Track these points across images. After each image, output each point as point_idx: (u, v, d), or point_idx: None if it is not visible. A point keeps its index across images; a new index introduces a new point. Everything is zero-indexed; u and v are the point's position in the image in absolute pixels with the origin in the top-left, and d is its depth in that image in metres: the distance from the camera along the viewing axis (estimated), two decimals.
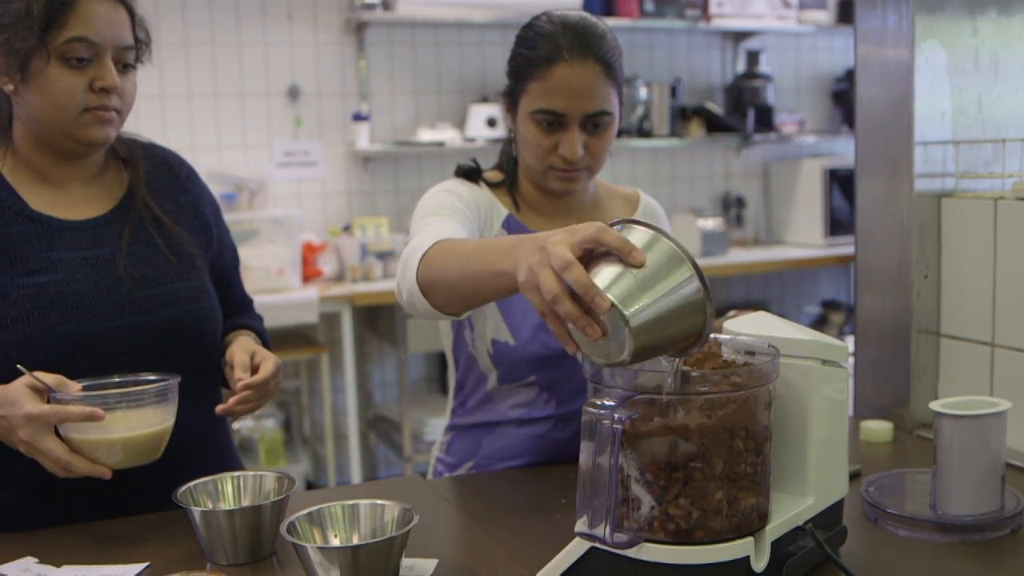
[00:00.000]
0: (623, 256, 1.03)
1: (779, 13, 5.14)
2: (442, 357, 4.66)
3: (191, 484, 1.38)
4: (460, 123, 4.73)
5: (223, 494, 1.40)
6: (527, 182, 1.78)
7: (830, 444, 1.24)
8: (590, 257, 1.06)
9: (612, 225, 1.08)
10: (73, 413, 1.34)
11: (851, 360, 2.04)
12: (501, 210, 1.76)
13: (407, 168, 4.79)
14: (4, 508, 1.50)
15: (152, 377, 1.47)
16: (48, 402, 1.36)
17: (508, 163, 1.80)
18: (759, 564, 1.12)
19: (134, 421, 1.39)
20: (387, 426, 4.60)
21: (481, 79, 4.81)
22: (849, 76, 5.41)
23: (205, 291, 1.63)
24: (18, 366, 1.38)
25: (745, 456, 1.10)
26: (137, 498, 1.51)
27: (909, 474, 1.57)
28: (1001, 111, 1.91)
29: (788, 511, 1.18)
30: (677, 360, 1.08)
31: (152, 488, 1.48)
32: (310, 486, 4.38)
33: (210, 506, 1.37)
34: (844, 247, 4.88)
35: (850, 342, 2.01)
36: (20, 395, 1.34)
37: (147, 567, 1.30)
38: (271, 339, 1.79)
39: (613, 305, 1.00)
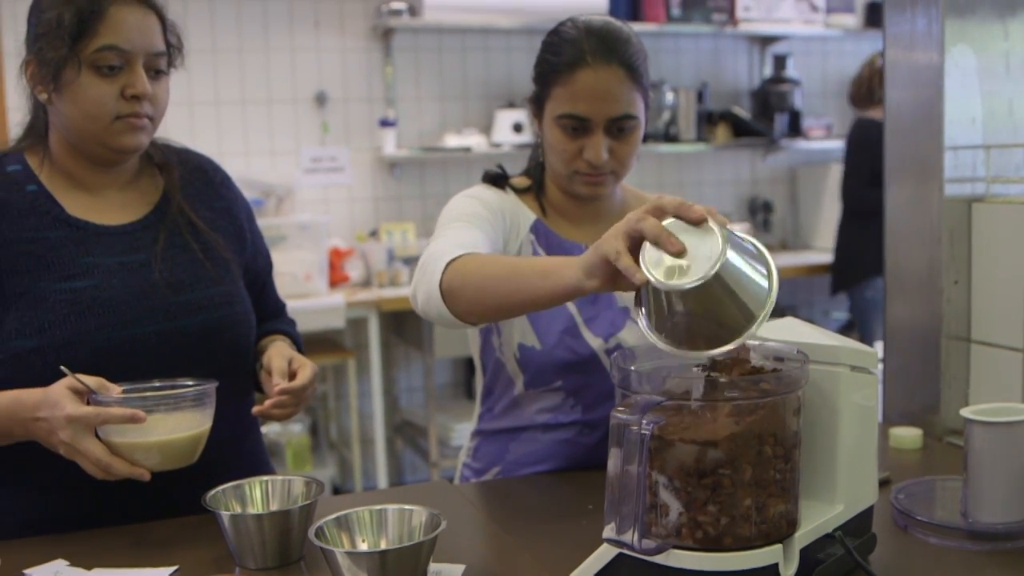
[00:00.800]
0: (662, 244, 1.08)
1: (806, 17, 5.12)
2: (468, 362, 4.67)
3: (220, 488, 1.38)
4: (486, 128, 4.74)
5: (252, 498, 1.40)
6: (554, 187, 1.78)
7: (859, 451, 1.23)
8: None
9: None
10: (114, 415, 1.35)
11: (880, 366, 2.02)
12: (528, 215, 1.76)
13: (433, 174, 4.81)
14: (38, 510, 1.52)
15: (190, 382, 1.49)
16: (88, 404, 1.37)
17: (535, 168, 1.80)
18: (788, 571, 1.11)
19: (173, 424, 1.40)
20: (413, 431, 4.61)
21: (507, 84, 4.82)
22: None
23: (239, 296, 1.64)
24: (61, 368, 1.39)
25: (774, 463, 1.10)
26: (169, 501, 1.52)
27: (939, 481, 1.56)
28: None
29: (817, 518, 1.18)
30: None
31: (185, 492, 1.48)
32: (336, 491, 4.40)
33: (239, 510, 1.38)
34: None
35: (879, 348, 1.99)
36: (61, 397, 1.35)
37: (176, 570, 1.31)
38: None
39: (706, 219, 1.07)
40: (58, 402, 1.35)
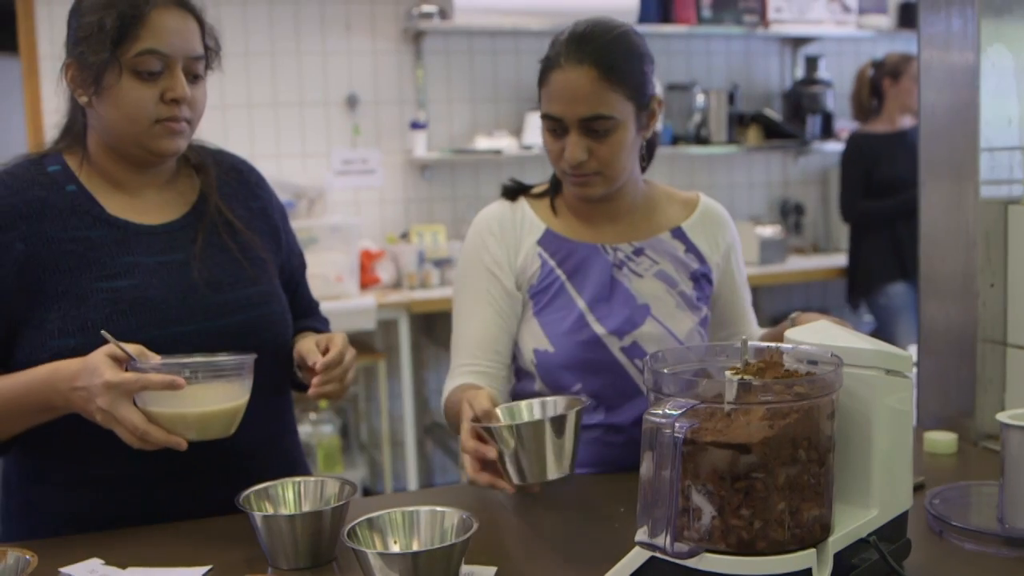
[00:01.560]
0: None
1: (838, 18, 5.09)
2: None
3: (253, 489, 1.39)
4: (517, 131, 4.74)
5: (284, 499, 1.41)
6: (567, 189, 1.79)
7: (894, 455, 1.22)
8: None
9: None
10: (154, 381, 1.34)
11: (914, 370, 2.01)
12: (538, 226, 1.78)
13: (464, 176, 4.81)
14: (74, 508, 1.53)
15: (228, 355, 1.48)
16: (127, 372, 1.37)
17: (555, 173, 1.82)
18: None
19: (211, 395, 1.40)
20: (444, 432, 4.62)
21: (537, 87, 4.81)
22: None
23: (276, 295, 1.65)
24: (102, 333, 1.39)
25: (808, 467, 1.09)
26: (207, 501, 1.53)
27: (975, 486, 1.55)
28: None
29: (851, 523, 1.17)
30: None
31: (222, 491, 1.49)
32: (367, 492, 4.41)
33: (271, 511, 1.38)
34: None
35: (913, 351, 1.97)
36: (100, 364, 1.35)
37: (210, 570, 1.32)
38: None
39: None
40: (96, 369, 1.35)
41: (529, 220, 1.79)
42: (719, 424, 1.07)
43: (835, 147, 5.22)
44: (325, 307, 1.93)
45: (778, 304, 5.24)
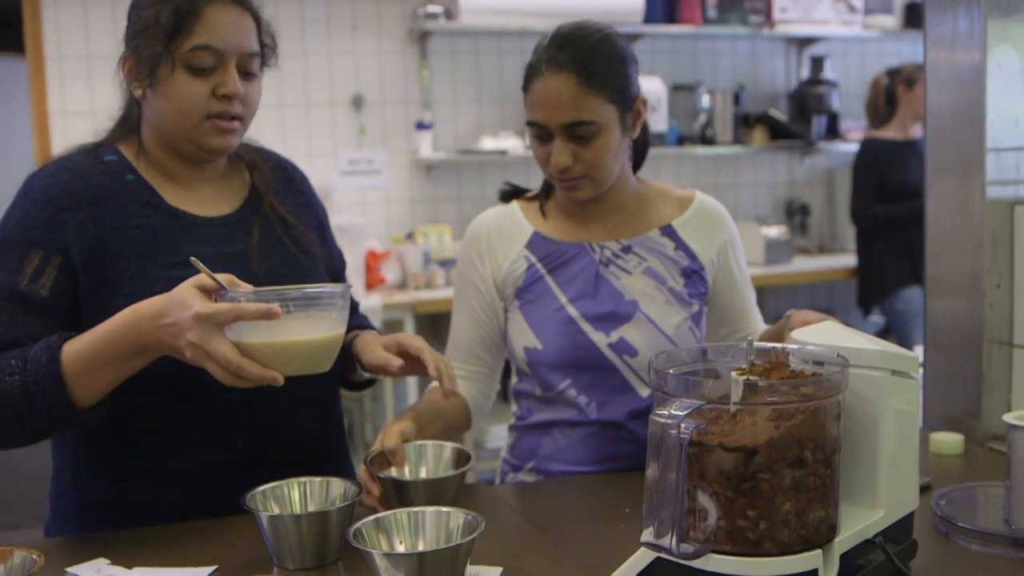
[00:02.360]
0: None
1: (844, 18, 5.08)
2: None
3: (259, 489, 1.39)
4: (522, 131, 4.74)
5: (290, 499, 1.41)
6: (558, 191, 1.82)
7: (900, 456, 1.22)
8: None
9: None
10: (248, 310, 1.29)
11: (920, 371, 2.00)
12: (527, 230, 1.82)
13: (470, 176, 4.82)
14: (129, 501, 1.52)
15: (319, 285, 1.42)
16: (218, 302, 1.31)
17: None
18: None
19: (308, 325, 1.34)
20: None
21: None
22: None
23: None
24: (191, 259, 1.35)
25: (814, 468, 1.09)
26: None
27: (981, 488, 1.54)
28: None
29: (857, 524, 1.17)
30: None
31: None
32: None
33: (277, 511, 1.39)
34: None
35: (919, 352, 1.97)
36: (189, 296, 1.29)
37: (216, 570, 1.32)
38: None
39: None
40: (184, 301, 1.29)
41: (519, 225, 1.83)
42: (725, 425, 1.07)
43: (841, 147, 5.22)
44: None
45: (783, 305, 5.24)
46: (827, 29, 5.07)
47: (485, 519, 1.23)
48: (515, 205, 1.86)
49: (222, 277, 1.34)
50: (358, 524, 1.23)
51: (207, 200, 1.60)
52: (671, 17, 4.87)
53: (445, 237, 4.57)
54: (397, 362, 1.52)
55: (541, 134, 1.69)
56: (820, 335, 1.26)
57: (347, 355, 1.63)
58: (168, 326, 1.30)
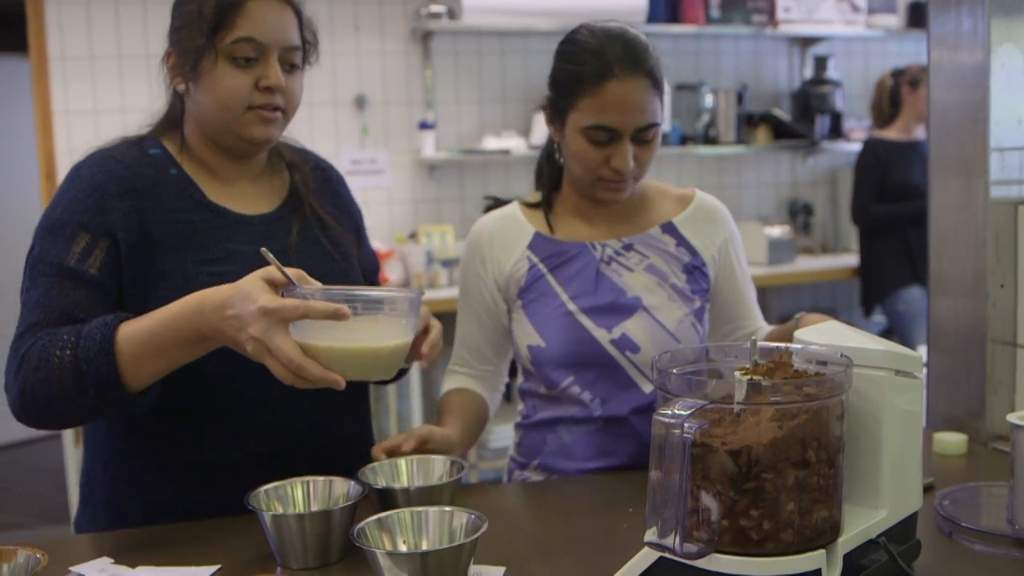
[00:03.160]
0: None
1: (847, 18, 5.08)
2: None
3: (263, 488, 1.39)
4: (525, 131, 4.75)
5: (293, 499, 1.41)
6: (571, 191, 1.83)
7: (904, 456, 1.22)
8: None
9: None
10: (316, 308, 1.25)
11: (924, 370, 2.00)
12: (527, 231, 1.83)
13: (473, 176, 4.82)
14: (164, 495, 1.52)
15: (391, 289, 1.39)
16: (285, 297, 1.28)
17: (545, 176, 1.86)
18: None
19: (375, 331, 1.31)
20: None
21: (546, 87, 4.81)
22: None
23: None
24: (261, 250, 1.33)
25: (817, 468, 1.09)
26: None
27: (985, 488, 1.54)
28: None
29: (861, 524, 1.17)
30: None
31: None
32: None
33: (281, 511, 1.39)
34: None
35: (922, 351, 1.97)
36: (255, 288, 1.27)
37: (219, 570, 1.32)
38: None
39: None
40: (250, 293, 1.26)
41: (520, 227, 1.84)
42: (728, 425, 1.07)
43: (844, 147, 5.22)
44: None
45: (786, 304, 5.24)
46: (830, 29, 5.07)
47: (488, 519, 1.24)
48: (516, 207, 1.88)
49: (291, 272, 1.31)
50: (361, 524, 1.24)
51: (248, 198, 1.61)
52: (674, 17, 4.87)
53: (448, 237, 4.57)
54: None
55: (602, 137, 1.67)
56: (823, 335, 1.26)
57: None
58: (231, 318, 1.27)
